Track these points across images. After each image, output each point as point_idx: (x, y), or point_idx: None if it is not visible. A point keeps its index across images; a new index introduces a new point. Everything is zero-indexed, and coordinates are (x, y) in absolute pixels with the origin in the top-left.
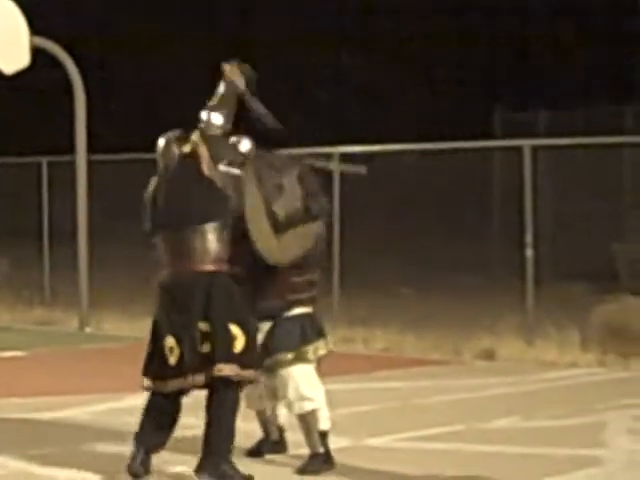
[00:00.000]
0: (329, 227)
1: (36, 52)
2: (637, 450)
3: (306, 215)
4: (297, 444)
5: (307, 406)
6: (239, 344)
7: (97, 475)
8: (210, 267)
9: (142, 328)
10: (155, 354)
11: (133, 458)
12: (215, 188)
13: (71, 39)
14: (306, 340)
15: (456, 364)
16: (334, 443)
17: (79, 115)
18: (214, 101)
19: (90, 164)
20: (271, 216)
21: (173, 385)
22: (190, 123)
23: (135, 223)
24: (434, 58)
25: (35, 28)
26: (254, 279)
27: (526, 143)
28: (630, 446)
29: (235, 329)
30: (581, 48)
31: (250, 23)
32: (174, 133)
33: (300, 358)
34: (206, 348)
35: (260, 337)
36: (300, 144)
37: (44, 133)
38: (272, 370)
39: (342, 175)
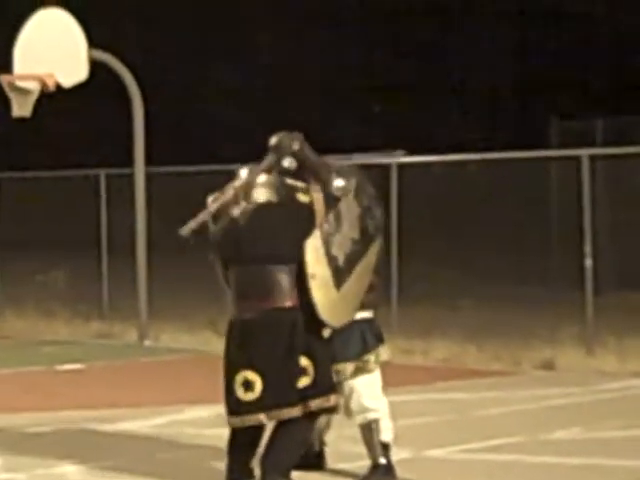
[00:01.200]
0: (386, 237)
1: (94, 65)
2: None
3: (363, 240)
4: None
5: (370, 416)
6: (331, 374)
7: None
8: (291, 303)
9: (201, 340)
10: (230, 390)
11: (230, 469)
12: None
13: (130, 51)
14: (367, 348)
15: (516, 375)
16: (394, 454)
17: (137, 127)
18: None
19: (148, 176)
20: (331, 262)
21: (253, 419)
22: (246, 137)
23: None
24: (491, 66)
25: (93, 41)
26: None
27: (584, 152)
28: None
29: (330, 360)
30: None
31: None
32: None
33: (362, 368)
34: (303, 382)
35: None
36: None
37: (102, 146)
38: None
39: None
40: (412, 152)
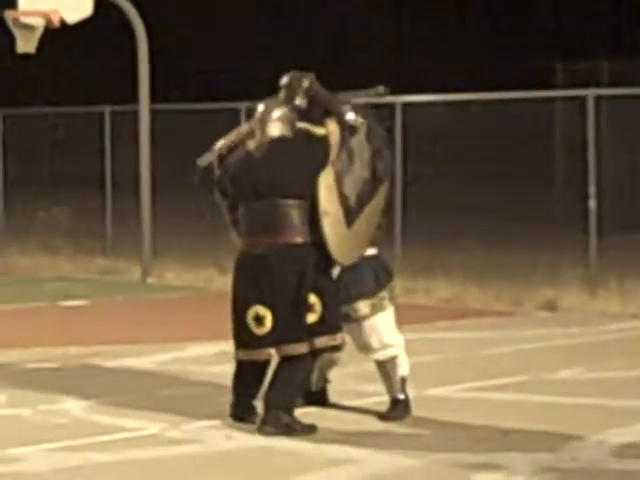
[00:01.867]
0: (391, 177)
1: (99, 1)
2: None
3: (373, 181)
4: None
5: (390, 352)
6: (339, 313)
7: (161, 423)
8: (303, 239)
9: (204, 278)
10: (240, 324)
11: (234, 405)
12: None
13: None
14: (380, 285)
15: (519, 315)
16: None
17: (142, 65)
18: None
19: (153, 113)
20: (343, 201)
21: (264, 354)
22: (249, 74)
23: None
24: (496, 9)
25: None
26: None
27: (590, 93)
28: None
29: (337, 298)
30: None
31: None
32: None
33: (378, 305)
34: (311, 319)
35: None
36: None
37: (107, 83)
38: (348, 318)
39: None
40: (416, 91)
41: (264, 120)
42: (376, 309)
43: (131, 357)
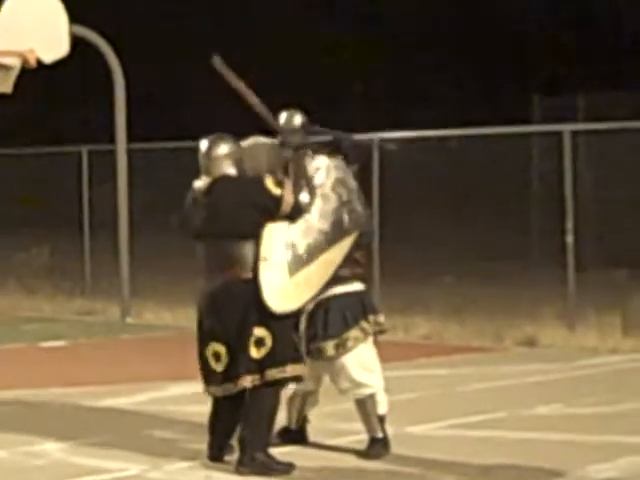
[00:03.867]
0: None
1: (75, 41)
2: None
3: (335, 233)
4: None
5: (364, 392)
6: (292, 345)
7: (142, 464)
8: (252, 275)
9: (183, 317)
10: (203, 360)
11: (210, 446)
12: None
13: (111, 28)
14: (347, 325)
15: (498, 351)
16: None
17: (119, 104)
18: None
19: (130, 152)
20: (289, 249)
21: (223, 390)
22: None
23: (176, 212)
24: (466, 42)
25: (74, 17)
26: None
27: (566, 128)
28: None
29: (291, 329)
30: (616, 30)
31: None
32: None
33: (344, 346)
34: (260, 353)
35: (304, 319)
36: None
37: (84, 123)
38: (318, 357)
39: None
40: (391, 127)
41: (207, 157)
42: (341, 350)
43: (110, 397)
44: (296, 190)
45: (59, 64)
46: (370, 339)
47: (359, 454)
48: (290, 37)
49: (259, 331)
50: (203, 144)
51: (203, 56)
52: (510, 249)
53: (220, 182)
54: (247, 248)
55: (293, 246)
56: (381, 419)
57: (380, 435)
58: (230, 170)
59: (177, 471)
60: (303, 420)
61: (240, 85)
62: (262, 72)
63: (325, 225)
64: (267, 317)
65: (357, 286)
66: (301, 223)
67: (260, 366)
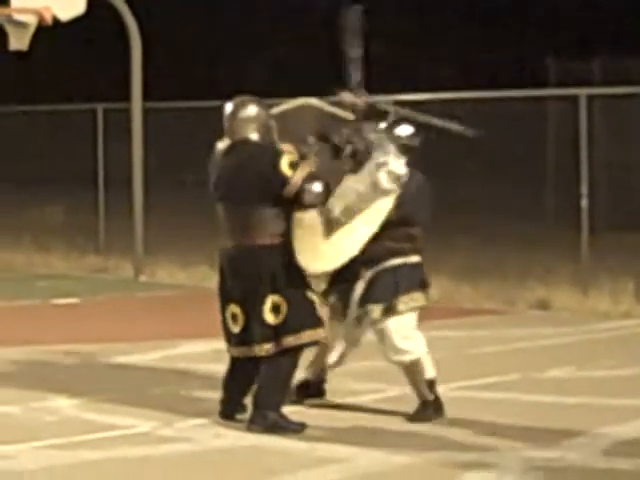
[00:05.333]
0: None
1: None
2: None
3: (373, 193)
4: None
5: (405, 358)
6: (308, 311)
7: (153, 421)
8: (269, 241)
9: (196, 276)
10: (224, 320)
11: (222, 403)
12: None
13: None
14: (397, 292)
15: (510, 314)
16: (389, 392)
17: (135, 62)
18: None
19: (146, 111)
20: (324, 211)
21: (239, 351)
22: (239, 75)
23: (190, 171)
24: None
25: None
26: None
27: (582, 92)
28: None
29: (309, 295)
30: None
31: None
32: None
33: (391, 311)
34: (276, 319)
35: (361, 286)
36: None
37: (100, 80)
38: (361, 321)
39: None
40: (410, 90)
41: (232, 119)
42: (387, 315)
43: (123, 355)
44: (309, 177)
45: (76, 21)
46: (417, 310)
47: (408, 418)
48: None
49: (274, 298)
50: (229, 105)
51: (217, 14)
52: (525, 212)
53: (239, 145)
54: (262, 214)
55: (328, 210)
56: (430, 383)
57: (430, 397)
58: (252, 134)
59: (188, 428)
60: (321, 376)
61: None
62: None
63: (361, 187)
64: (282, 284)
65: (414, 259)
66: (338, 187)
67: (276, 333)
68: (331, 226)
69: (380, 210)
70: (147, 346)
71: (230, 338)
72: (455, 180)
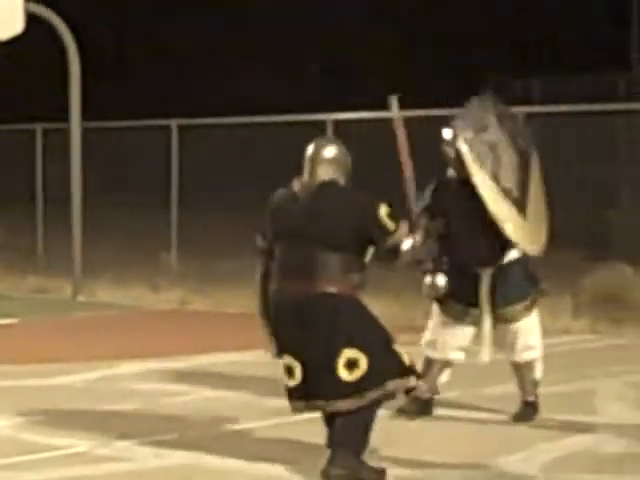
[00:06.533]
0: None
1: (30, 18)
2: (627, 417)
3: (522, 160)
4: None
5: (532, 355)
6: (392, 360)
7: (91, 441)
8: (335, 289)
9: (135, 296)
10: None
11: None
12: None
13: (65, 5)
14: (531, 288)
15: None
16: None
17: (73, 82)
18: None
19: (85, 131)
20: (507, 195)
21: (296, 407)
22: (185, 94)
23: (128, 190)
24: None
25: None
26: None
27: (520, 110)
28: (620, 413)
29: (393, 347)
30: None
31: None
32: None
33: (528, 308)
34: (354, 375)
35: (486, 285)
36: (291, 111)
37: (39, 100)
38: (500, 319)
39: None
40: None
41: (315, 160)
42: (527, 312)
43: (61, 375)
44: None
45: (14, 41)
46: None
47: (513, 417)
48: None
49: (350, 352)
50: (310, 147)
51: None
52: None
53: (327, 188)
54: (338, 260)
55: (509, 192)
56: (535, 384)
57: (531, 399)
58: (338, 177)
59: (125, 448)
60: (434, 392)
61: (404, 147)
62: None
63: (514, 158)
64: (357, 335)
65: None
66: (501, 169)
67: (356, 388)
68: (519, 205)
69: (536, 172)
70: (86, 367)
71: (286, 391)
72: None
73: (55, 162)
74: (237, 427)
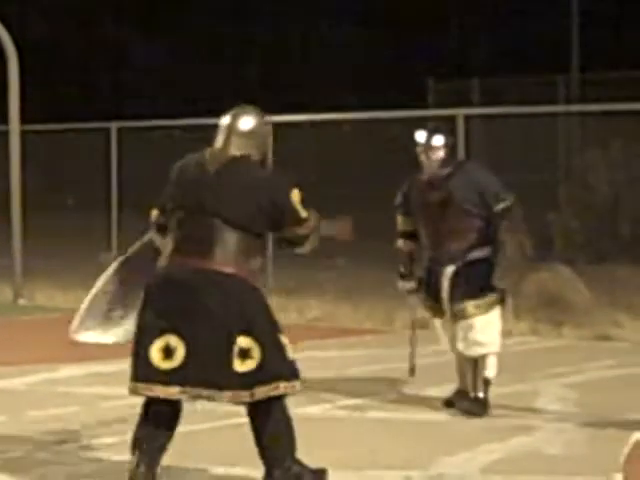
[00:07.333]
0: None
1: None
2: (567, 418)
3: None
4: None
5: (478, 351)
6: (288, 356)
7: (29, 446)
8: (231, 270)
9: (75, 299)
10: (142, 353)
11: (136, 465)
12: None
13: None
14: (488, 288)
15: (389, 333)
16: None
17: (12, 84)
18: None
19: (23, 134)
20: None
21: (164, 391)
22: (129, 94)
23: (70, 192)
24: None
25: None
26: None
27: (460, 112)
28: (561, 414)
29: (282, 340)
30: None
31: None
32: None
33: (488, 306)
34: (246, 366)
35: (446, 283)
36: None
37: None
38: (459, 317)
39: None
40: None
41: (230, 131)
42: (479, 310)
43: (1, 378)
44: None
45: None
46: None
47: (463, 410)
48: None
49: (244, 341)
50: (225, 117)
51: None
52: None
53: (241, 164)
54: (238, 240)
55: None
56: (486, 382)
57: (481, 395)
58: (253, 152)
59: (65, 452)
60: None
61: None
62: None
63: None
64: (252, 324)
65: (488, 251)
66: None
67: (247, 381)
68: None
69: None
70: (26, 370)
71: (149, 375)
72: (334, 202)
73: None
74: (183, 430)
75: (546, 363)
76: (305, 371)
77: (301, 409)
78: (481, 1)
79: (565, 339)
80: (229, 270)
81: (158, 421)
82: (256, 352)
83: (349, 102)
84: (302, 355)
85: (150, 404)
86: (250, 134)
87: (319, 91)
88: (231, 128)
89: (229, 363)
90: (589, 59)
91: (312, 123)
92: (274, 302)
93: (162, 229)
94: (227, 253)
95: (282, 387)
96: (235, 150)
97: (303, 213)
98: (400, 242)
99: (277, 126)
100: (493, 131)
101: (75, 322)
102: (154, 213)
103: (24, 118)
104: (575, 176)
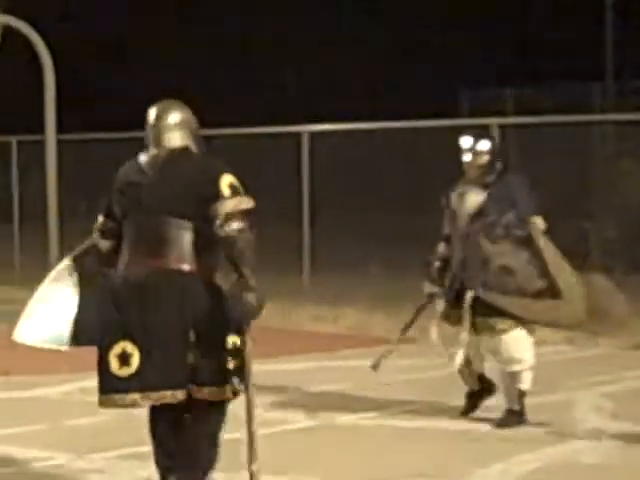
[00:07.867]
0: (298, 206)
1: (6, 32)
2: (604, 428)
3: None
4: None
5: (514, 368)
6: (235, 358)
7: (72, 454)
8: (187, 267)
9: None
10: (103, 363)
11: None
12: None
13: (41, 18)
14: None
15: (422, 343)
16: (302, 422)
17: (48, 95)
18: None
19: (59, 143)
20: None
21: (124, 400)
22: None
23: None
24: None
25: (5, 7)
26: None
27: (494, 121)
28: (597, 424)
29: (232, 340)
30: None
31: None
32: None
33: (514, 322)
34: (190, 360)
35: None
36: (267, 123)
37: (14, 113)
38: (488, 332)
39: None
40: (325, 120)
41: (159, 127)
42: (510, 326)
43: (38, 387)
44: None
45: None
46: None
47: (496, 424)
48: None
49: (193, 335)
50: (152, 111)
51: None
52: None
53: (178, 156)
54: (190, 237)
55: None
56: (521, 394)
57: (516, 407)
58: (190, 143)
59: (102, 460)
60: (481, 376)
61: None
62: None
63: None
64: (204, 322)
65: None
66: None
67: (193, 377)
68: None
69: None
70: (62, 379)
71: (110, 384)
72: (370, 210)
73: (30, 174)
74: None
75: (582, 373)
76: (338, 380)
77: (333, 417)
78: None
79: (601, 348)
80: (185, 267)
81: (162, 427)
82: (196, 351)
83: (383, 110)
84: (335, 364)
85: (152, 412)
86: (182, 125)
87: (351, 100)
88: (160, 124)
89: (181, 360)
90: (624, 67)
91: (349, 132)
92: (310, 311)
93: (107, 234)
94: (181, 250)
95: (227, 390)
96: (172, 144)
97: (226, 192)
98: (441, 246)
99: (314, 135)
100: (527, 140)
101: (19, 325)
102: (99, 220)
103: (60, 127)
104: (611, 185)
